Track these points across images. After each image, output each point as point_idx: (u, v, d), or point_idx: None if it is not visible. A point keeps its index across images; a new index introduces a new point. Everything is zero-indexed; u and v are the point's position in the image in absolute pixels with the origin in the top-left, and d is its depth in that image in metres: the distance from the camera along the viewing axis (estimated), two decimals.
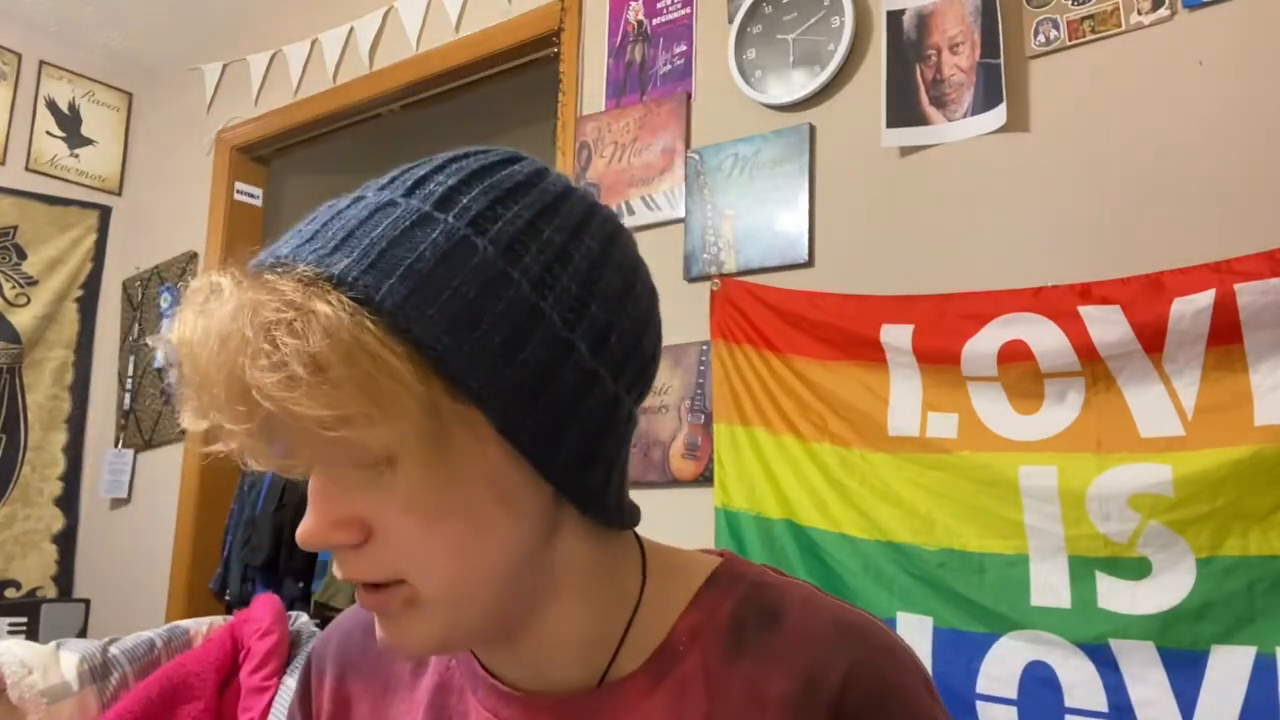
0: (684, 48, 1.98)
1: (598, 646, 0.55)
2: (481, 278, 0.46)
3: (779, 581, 0.58)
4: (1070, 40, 1.51)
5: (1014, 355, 1.42)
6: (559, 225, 0.49)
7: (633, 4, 2.08)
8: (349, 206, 0.49)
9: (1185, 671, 1.24)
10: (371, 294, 0.44)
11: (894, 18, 1.68)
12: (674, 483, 1.82)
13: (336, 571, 0.50)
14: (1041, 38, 1.54)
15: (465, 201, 0.48)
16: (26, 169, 3.09)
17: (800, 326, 1.65)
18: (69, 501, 3.16)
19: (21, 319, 3.07)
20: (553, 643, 0.55)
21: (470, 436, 0.46)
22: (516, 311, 0.46)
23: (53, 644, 1.47)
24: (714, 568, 0.59)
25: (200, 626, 1.63)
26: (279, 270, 0.45)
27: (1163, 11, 1.43)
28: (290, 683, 1.47)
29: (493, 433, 0.46)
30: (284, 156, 3.06)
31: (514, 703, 0.56)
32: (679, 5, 2.01)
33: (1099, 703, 1.30)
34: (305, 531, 0.48)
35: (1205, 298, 1.27)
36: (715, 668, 0.54)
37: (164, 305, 3.07)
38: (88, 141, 3.26)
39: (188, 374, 0.46)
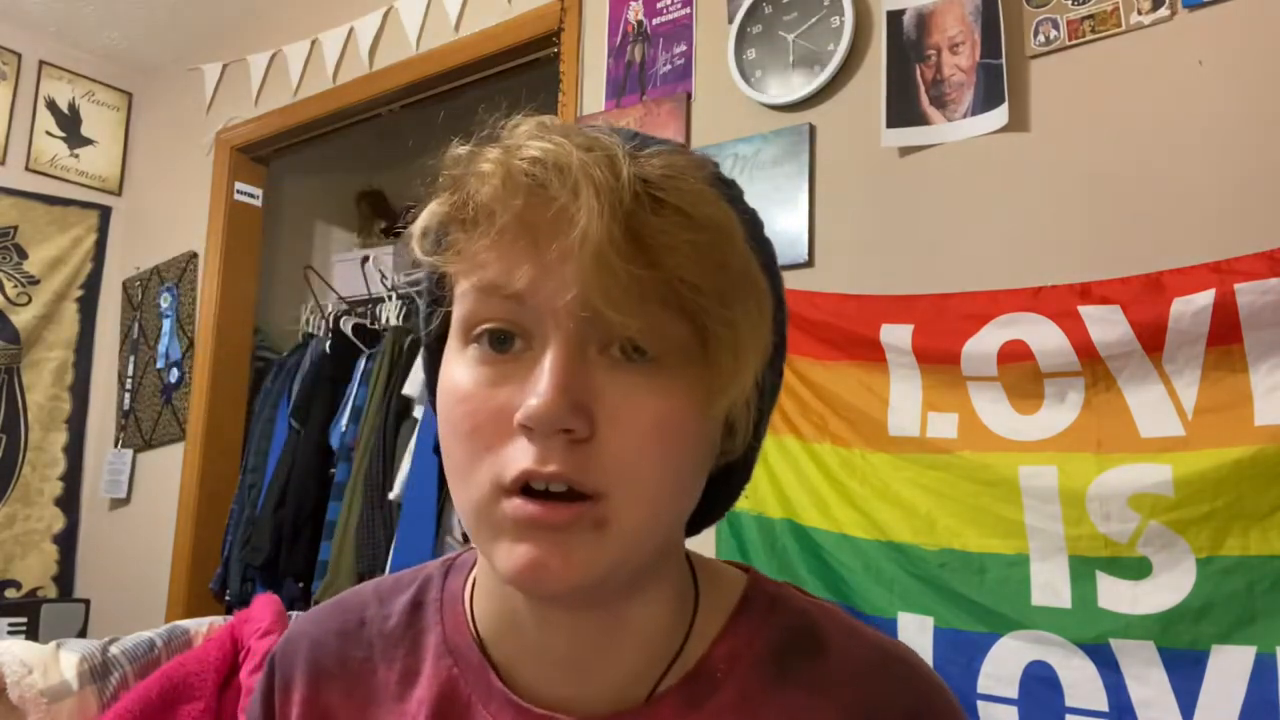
0: (684, 48, 1.98)
1: (655, 650, 0.52)
2: (762, 245, 0.52)
3: (813, 606, 0.56)
4: (1070, 40, 1.51)
5: (1014, 355, 1.42)
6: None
7: (633, 4, 2.08)
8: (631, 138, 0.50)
9: (1185, 671, 1.24)
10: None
11: (894, 18, 1.68)
12: None
13: (537, 464, 0.43)
14: (1041, 38, 1.54)
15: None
16: (26, 169, 3.09)
17: (800, 326, 1.65)
18: (69, 501, 3.16)
19: (22, 319, 3.07)
20: (624, 637, 0.51)
21: None
22: (762, 284, 0.50)
23: (53, 644, 1.47)
24: (744, 587, 0.57)
25: (200, 626, 1.63)
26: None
27: (1163, 11, 1.43)
28: None
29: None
30: (284, 156, 3.06)
31: None
32: (679, 5, 2.01)
33: (1099, 702, 1.30)
34: (541, 408, 0.42)
35: (1205, 297, 1.27)
36: (755, 697, 0.52)
37: (164, 305, 3.07)
38: (88, 141, 3.26)
39: (544, 197, 0.43)
